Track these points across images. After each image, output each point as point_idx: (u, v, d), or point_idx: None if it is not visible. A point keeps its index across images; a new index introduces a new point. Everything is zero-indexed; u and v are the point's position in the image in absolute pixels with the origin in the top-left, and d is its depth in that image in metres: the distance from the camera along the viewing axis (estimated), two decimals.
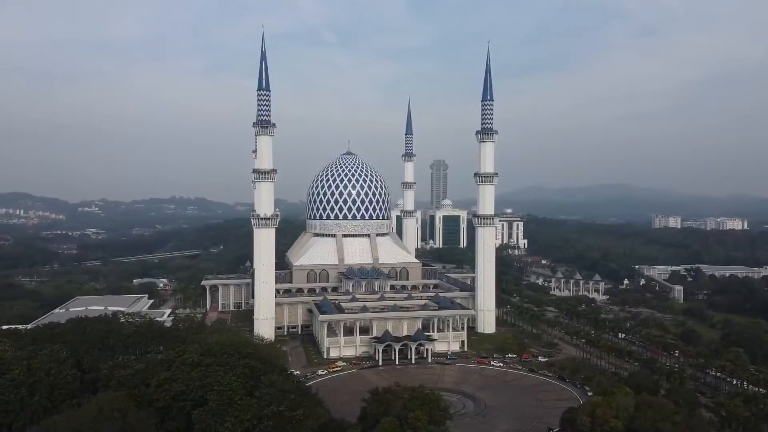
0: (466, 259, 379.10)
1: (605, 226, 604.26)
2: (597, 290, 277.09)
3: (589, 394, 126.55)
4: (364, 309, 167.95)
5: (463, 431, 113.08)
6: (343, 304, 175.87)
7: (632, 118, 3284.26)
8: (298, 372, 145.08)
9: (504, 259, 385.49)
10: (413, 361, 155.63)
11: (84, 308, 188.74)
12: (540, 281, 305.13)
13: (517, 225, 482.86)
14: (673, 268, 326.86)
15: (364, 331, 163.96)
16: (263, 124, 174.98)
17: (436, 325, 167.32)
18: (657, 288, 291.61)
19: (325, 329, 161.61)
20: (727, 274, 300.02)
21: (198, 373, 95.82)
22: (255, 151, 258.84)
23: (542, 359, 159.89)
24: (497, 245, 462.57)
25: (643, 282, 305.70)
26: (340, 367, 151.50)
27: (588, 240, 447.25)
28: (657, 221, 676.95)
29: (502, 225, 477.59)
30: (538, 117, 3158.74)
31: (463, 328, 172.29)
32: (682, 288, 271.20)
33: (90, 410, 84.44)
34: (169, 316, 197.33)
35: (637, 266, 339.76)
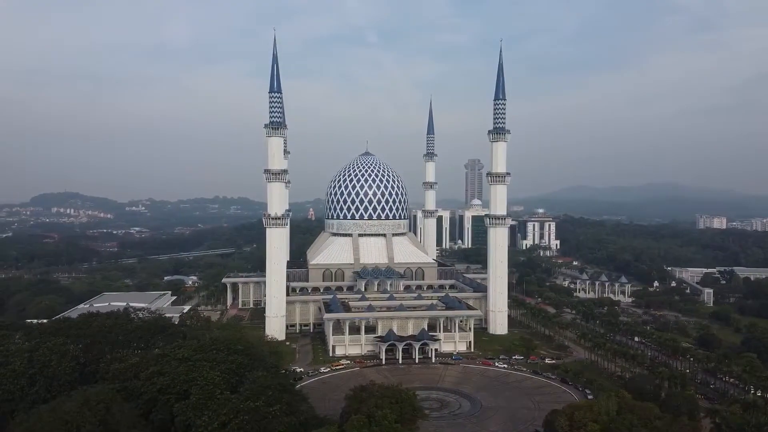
0: None
1: (643, 226, 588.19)
2: (623, 292, 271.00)
3: (590, 397, 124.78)
4: (370, 308, 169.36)
5: (454, 431, 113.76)
6: (351, 303, 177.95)
7: (687, 116, 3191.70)
8: (301, 369, 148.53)
9: (533, 259, 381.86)
10: (417, 361, 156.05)
11: (107, 304, 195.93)
12: (566, 283, 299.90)
13: (549, 225, 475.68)
14: (707, 270, 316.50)
15: (372, 330, 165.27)
16: (274, 125, 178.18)
17: (442, 325, 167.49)
18: (688, 291, 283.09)
19: (331, 327, 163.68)
20: (763, 277, 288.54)
21: (185, 368, 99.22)
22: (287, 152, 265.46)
23: (549, 361, 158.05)
24: (528, 246, 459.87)
25: (673, 284, 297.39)
26: (343, 365, 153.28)
27: (623, 241, 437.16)
28: (701, 222, 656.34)
29: (533, 225, 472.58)
30: (588, 114, 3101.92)
31: (470, 329, 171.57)
32: (711, 291, 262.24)
33: (76, 401, 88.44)
34: (188, 313, 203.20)
35: (669, 268, 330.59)
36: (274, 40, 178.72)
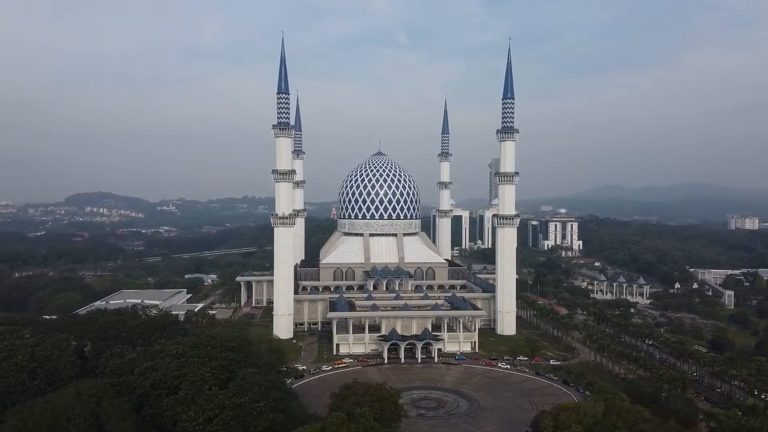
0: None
1: (670, 227, 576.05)
2: (641, 294, 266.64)
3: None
4: (374, 307, 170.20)
5: (447, 430, 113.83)
6: (356, 302, 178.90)
7: (721, 114, 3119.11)
8: (303, 367, 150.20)
9: (553, 260, 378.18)
10: (419, 361, 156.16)
11: (123, 301, 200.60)
12: (584, 284, 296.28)
13: (572, 225, 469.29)
14: (730, 271, 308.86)
15: (377, 329, 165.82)
16: (282, 126, 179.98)
17: (446, 325, 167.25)
18: (709, 293, 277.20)
19: (335, 326, 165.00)
20: None
21: (177, 364, 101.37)
22: (293, 152, 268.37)
23: (554, 363, 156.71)
24: (550, 246, 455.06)
25: (695, 286, 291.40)
26: (345, 363, 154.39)
27: (647, 242, 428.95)
28: (732, 222, 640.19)
29: (555, 225, 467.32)
30: (620, 112, 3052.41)
31: (474, 329, 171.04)
32: (732, 293, 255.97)
33: (68, 395, 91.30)
34: (194, 311, 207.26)
35: (692, 269, 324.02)
36: (282, 42, 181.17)
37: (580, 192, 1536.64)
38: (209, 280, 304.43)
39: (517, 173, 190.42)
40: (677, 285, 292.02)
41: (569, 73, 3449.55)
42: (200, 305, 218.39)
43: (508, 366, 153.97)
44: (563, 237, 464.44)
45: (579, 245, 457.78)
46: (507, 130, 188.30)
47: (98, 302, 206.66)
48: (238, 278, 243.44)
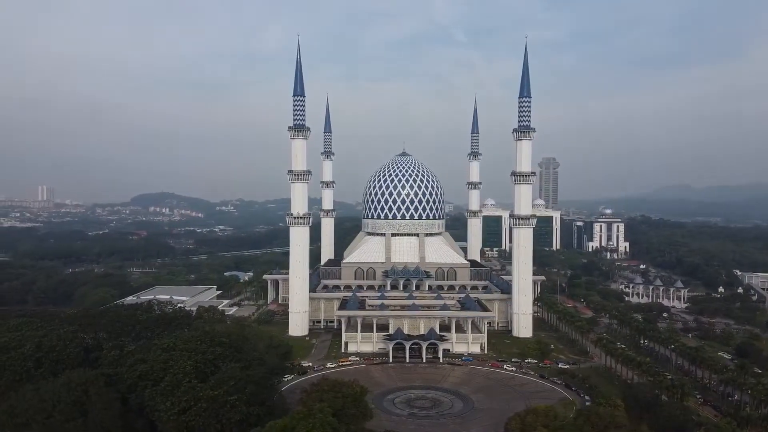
0: (554, 261, 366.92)
1: (727, 228, 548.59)
2: (678, 297, 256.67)
3: (587, 403, 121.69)
4: (382, 306, 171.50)
5: (433, 429, 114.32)
6: (367, 301, 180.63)
7: None
8: (308, 364, 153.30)
9: (594, 262, 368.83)
10: (425, 361, 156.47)
11: (152, 297, 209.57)
12: (621, 287, 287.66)
13: (617, 227, 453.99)
14: None
15: (386, 328, 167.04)
16: (298, 128, 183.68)
17: (455, 325, 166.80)
18: (754, 297, 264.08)
19: (344, 324, 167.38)
20: None
21: (165, 357, 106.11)
22: (323, 153, 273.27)
23: (562, 366, 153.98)
24: (594, 248, 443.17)
25: (740, 290, 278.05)
26: (350, 361, 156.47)
27: (697, 244, 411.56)
28: None
29: (600, 227, 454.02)
30: (688, 109, 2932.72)
31: (482, 331, 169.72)
32: None
33: (58, 383, 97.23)
34: (230, 307, 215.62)
35: (739, 273, 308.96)
36: (298, 46, 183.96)
37: (645, 192, 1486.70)
38: (246, 278, 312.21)
39: (533, 173, 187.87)
40: (720, 289, 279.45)
41: (639, 69, 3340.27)
42: (225, 302, 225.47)
43: (514, 368, 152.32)
44: (608, 238, 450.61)
45: (625, 247, 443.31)
46: (523, 129, 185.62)
47: (129, 297, 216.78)
48: (265, 276, 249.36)
